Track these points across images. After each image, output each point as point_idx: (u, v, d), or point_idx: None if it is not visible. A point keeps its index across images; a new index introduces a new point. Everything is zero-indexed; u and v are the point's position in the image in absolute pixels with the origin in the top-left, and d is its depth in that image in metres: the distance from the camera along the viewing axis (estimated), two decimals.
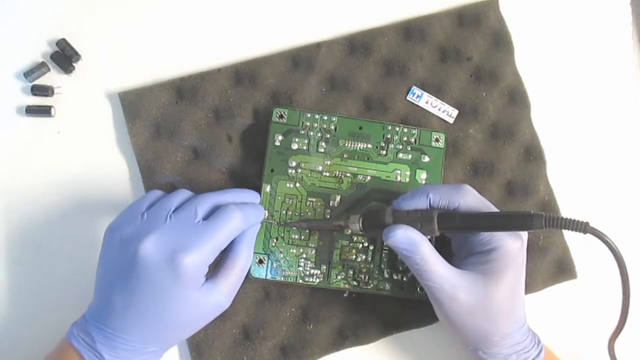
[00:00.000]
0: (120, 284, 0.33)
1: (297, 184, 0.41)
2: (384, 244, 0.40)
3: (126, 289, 0.33)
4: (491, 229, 0.35)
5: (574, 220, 0.33)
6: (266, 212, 0.40)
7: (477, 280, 0.35)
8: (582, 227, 0.33)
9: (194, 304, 0.34)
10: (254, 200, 0.38)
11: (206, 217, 0.34)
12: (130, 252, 0.32)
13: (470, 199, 0.36)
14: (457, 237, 0.38)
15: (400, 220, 0.36)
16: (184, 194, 0.36)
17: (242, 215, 0.35)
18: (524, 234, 0.36)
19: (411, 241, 0.34)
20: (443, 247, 0.37)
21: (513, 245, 0.35)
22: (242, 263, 0.36)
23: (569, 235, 0.44)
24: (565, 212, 0.44)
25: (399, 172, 0.41)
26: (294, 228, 0.40)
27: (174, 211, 0.34)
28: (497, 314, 0.35)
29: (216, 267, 0.36)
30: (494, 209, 0.37)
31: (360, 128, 0.42)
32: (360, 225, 0.37)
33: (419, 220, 0.35)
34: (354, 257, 0.40)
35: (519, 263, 0.36)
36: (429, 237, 0.35)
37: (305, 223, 0.40)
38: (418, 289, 0.40)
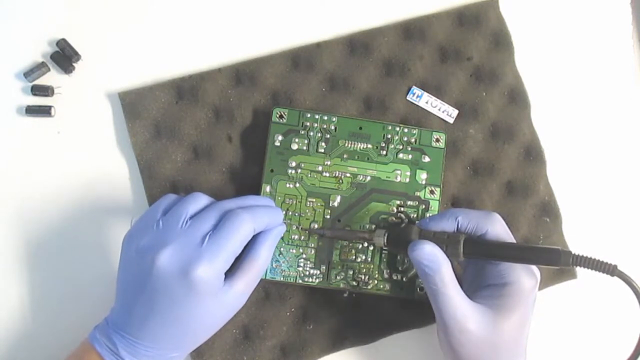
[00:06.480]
0: (139, 294, 0.33)
1: (297, 184, 0.41)
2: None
3: (145, 299, 0.33)
4: (517, 260, 0.34)
5: (602, 261, 0.32)
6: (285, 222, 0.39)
7: (488, 315, 0.34)
8: (609, 269, 0.32)
9: (212, 310, 0.34)
10: (269, 205, 0.38)
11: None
12: (147, 264, 0.33)
13: (499, 228, 0.36)
14: (473, 266, 0.38)
15: (426, 239, 0.35)
16: (198, 198, 0.36)
17: (251, 218, 0.34)
18: (539, 275, 0.36)
19: (436, 259, 0.34)
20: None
21: (528, 283, 0.34)
22: (260, 264, 0.35)
23: (568, 235, 0.44)
24: (565, 212, 0.44)
25: (399, 172, 0.41)
26: (296, 228, 0.40)
27: (189, 218, 0.34)
28: (503, 350, 0.34)
29: (235, 264, 0.35)
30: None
31: (360, 128, 0.42)
32: (385, 241, 0.37)
33: (445, 242, 0.35)
34: (354, 257, 0.40)
35: (530, 302, 0.35)
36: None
37: (330, 231, 0.40)
38: (418, 289, 0.40)
